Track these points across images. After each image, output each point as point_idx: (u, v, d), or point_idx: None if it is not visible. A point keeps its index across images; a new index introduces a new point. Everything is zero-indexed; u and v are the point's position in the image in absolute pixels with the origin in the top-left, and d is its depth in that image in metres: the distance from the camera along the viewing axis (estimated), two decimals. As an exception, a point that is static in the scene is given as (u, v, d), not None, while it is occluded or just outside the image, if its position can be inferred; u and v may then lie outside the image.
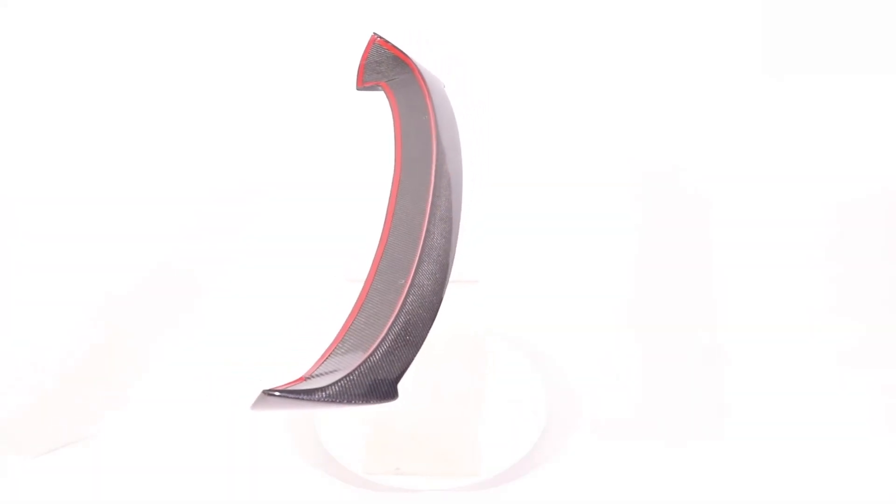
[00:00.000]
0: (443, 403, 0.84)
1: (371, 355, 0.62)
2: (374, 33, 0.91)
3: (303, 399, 0.59)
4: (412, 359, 0.64)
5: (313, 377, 0.62)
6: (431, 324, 0.66)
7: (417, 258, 0.67)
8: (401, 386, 0.62)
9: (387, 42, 0.90)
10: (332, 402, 0.60)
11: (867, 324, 0.96)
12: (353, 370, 0.61)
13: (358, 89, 0.89)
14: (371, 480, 0.80)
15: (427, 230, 0.69)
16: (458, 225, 0.72)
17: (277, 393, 0.58)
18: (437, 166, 0.73)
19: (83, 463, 0.84)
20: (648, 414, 0.86)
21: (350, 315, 0.66)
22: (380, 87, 0.87)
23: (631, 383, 0.90)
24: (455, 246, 0.71)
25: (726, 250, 1.08)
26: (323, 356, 0.64)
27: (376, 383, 0.61)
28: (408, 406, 0.77)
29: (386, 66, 0.89)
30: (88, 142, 1.33)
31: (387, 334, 0.63)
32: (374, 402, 0.61)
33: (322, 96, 1.40)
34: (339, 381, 0.60)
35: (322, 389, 0.59)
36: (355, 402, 0.60)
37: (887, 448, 0.82)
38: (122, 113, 1.38)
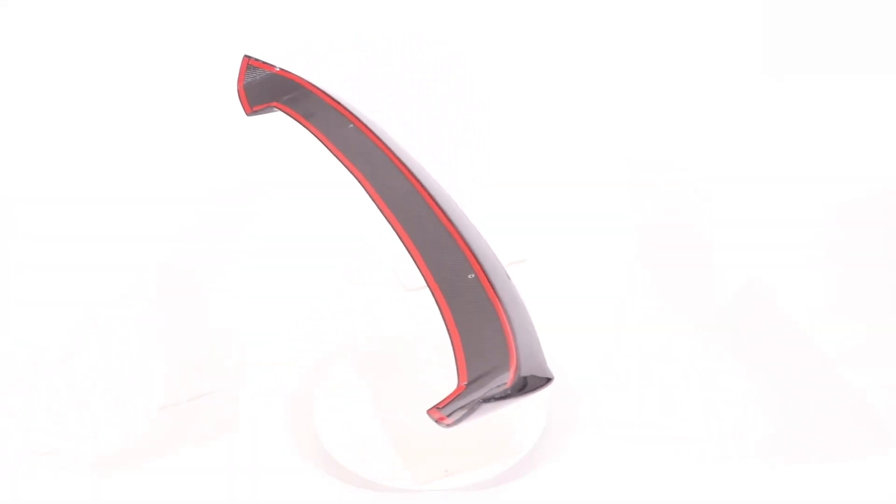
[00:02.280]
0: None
1: (516, 347, 0.61)
2: (246, 56, 0.89)
3: (504, 398, 0.58)
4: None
5: (474, 383, 0.60)
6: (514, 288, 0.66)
7: (462, 242, 0.68)
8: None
9: (261, 62, 0.88)
10: (521, 395, 0.59)
11: (867, 324, 0.96)
12: (511, 361, 0.60)
13: (249, 115, 0.86)
14: (371, 480, 0.80)
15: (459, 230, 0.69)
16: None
17: (477, 399, 0.57)
18: (429, 191, 0.73)
19: (83, 462, 0.84)
20: (648, 414, 0.86)
21: (451, 329, 0.65)
22: (273, 108, 0.85)
23: (631, 383, 0.90)
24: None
25: (726, 250, 1.08)
26: (460, 364, 0.62)
27: (536, 365, 0.61)
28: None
29: (271, 85, 0.86)
30: (87, 142, 1.33)
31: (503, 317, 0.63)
32: (545, 385, 0.61)
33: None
34: (515, 374, 0.59)
35: (515, 386, 0.58)
36: (538, 389, 0.60)
37: (877, 449, 0.83)
38: (121, 113, 1.38)
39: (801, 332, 0.96)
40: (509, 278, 0.67)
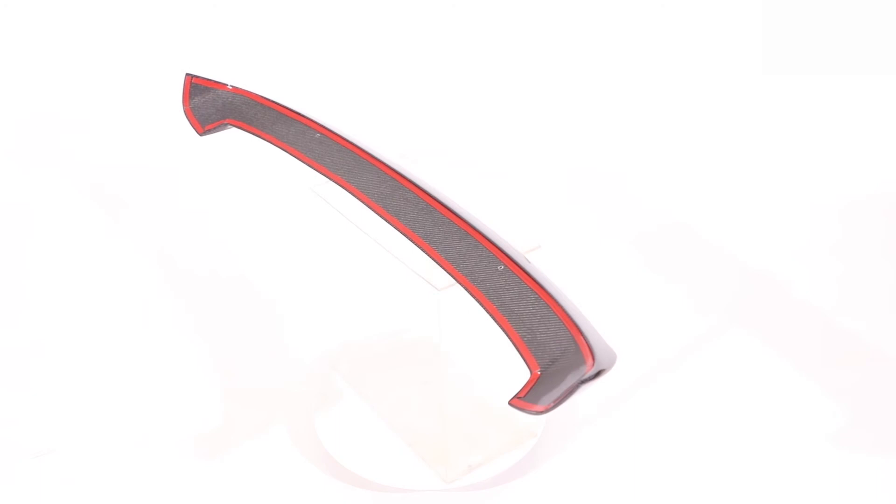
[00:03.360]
0: (474, 388, 0.85)
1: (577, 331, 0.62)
2: (188, 74, 0.86)
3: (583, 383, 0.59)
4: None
5: (549, 368, 0.61)
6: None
7: (480, 236, 0.68)
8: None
9: (204, 79, 0.86)
10: (604, 373, 0.60)
11: (867, 324, 0.96)
12: (581, 343, 0.61)
13: (202, 135, 0.84)
14: (371, 480, 0.80)
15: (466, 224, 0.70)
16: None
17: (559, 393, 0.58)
18: (428, 192, 0.73)
19: (82, 461, 0.84)
20: (648, 414, 0.86)
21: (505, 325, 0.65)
22: (227, 126, 0.84)
23: (630, 383, 0.90)
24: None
25: (725, 250, 1.08)
26: (525, 354, 0.63)
27: (602, 343, 0.62)
28: (447, 405, 0.78)
29: (221, 103, 0.85)
30: (87, 142, 1.33)
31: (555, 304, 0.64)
32: (615, 361, 0.62)
33: (320, 98, 1.40)
34: (592, 354, 0.60)
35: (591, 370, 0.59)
36: (612, 365, 0.61)
37: (866, 446, 0.83)
38: (121, 112, 1.38)
39: (802, 333, 0.96)
40: (530, 263, 0.68)
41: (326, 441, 0.83)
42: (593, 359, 0.60)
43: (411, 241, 0.70)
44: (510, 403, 0.60)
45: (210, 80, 0.86)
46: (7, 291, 1.07)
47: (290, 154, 0.79)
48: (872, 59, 1.32)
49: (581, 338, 0.62)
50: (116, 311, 1.03)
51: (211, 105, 0.85)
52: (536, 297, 0.65)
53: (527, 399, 0.59)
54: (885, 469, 0.80)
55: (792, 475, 0.80)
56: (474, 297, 0.66)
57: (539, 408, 0.59)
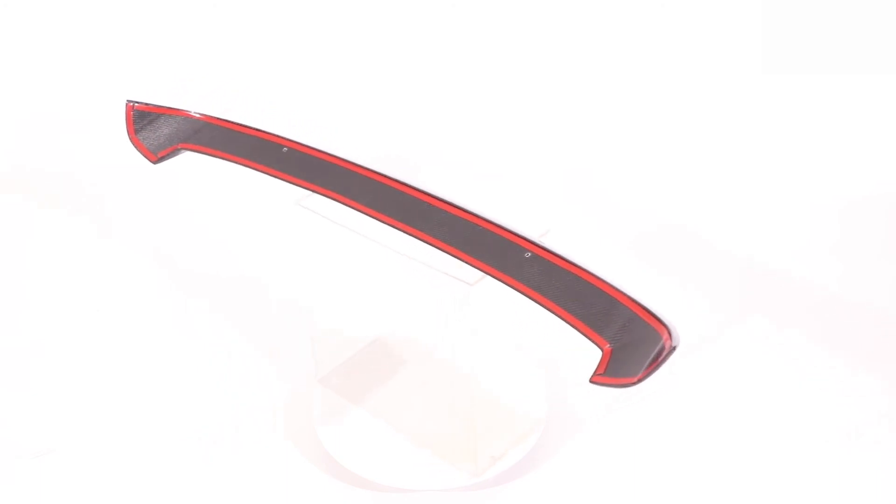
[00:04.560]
0: (486, 381, 0.85)
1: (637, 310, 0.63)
2: (128, 101, 0.83)
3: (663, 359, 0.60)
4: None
5: (619, 341, 0.62)
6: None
7: (496, 228, 0.69)
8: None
9: (146, 105, 0.83)
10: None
11: (868, 323, 0.96)
12: (642, 312, 0.62)
13: (155, 164, 0.82)
14: (371, 480, 0.80)
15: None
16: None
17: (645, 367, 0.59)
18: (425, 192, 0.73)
19: (83, 461, 0.84)
20: (648, 414, 0.86)
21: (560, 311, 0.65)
22: (180, 150, 0.81)
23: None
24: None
25: (725, 250, 1.08)
26: (588, 332, 0.63)
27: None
28: (465, 400, 0.79)
29: (168, 128, 0.82)
30: (88, 142, 1.33)
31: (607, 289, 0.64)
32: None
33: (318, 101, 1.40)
34: (659, 321, 0.61)
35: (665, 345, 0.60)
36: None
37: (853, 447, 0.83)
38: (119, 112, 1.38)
39: (801, 333, 0.96)
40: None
41: (326, 441, 0.83)
42: (663, 325, 0.61)
43: (431, 245, 0.70)
44: (592, 381, 0.60)
45: (153, 105, 0.83)
46: (7, 291, 1.07)
47: (264, 172, 0.77)
48: (872, 59, 1.32)
49: (638, 307, 0.62)
50: (116, 311, 1.03)
51: (159, 131, 0.82)
52: (574, 276, 0.65)
53: (608, 374, 0.60)
54: (886, 470, 0.80)
55: (792, 475, 0.80)
56: (513, 287, 0.66)
57: (627, 380, 0.59)
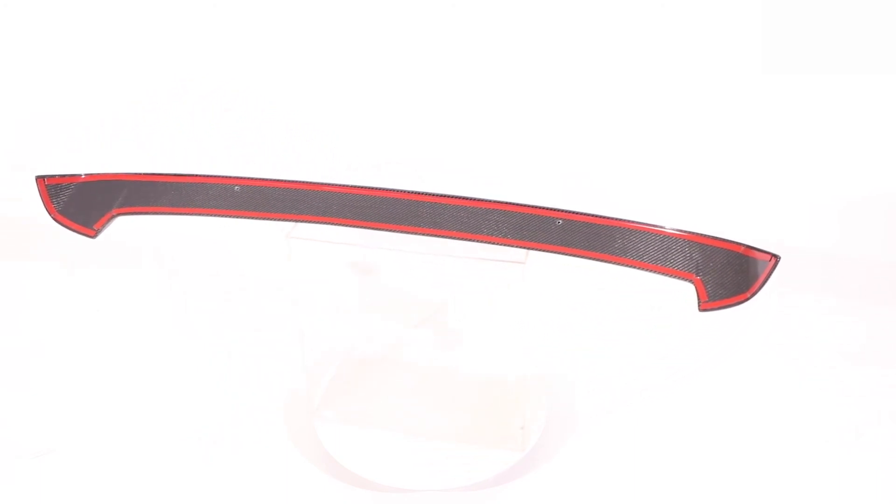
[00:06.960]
0: (477, 367, 0.87)
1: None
2: (37, 177, 0.73)
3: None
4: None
5: (709, 272, 0.64)
6: None
7: (510, 206, 0.70)
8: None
9: (56, 177, 0.74)
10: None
11: (868, 324, 0.96)
12: (719, 241, 0.65)
13: (95, 237, 0.75)
14: (371, 480, 0.80)
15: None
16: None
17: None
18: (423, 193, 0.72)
19: (82, 461, 0.84)
20: (648, 414, 0.86)
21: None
22: (114, 216, 0.74)
23: (630, 384, 0.90)
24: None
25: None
26: (671, 272, 0.65)
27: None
28: (490, 379, 0.81)
29: (89, 195, 0.74)
30: (87, 142, 1.33)
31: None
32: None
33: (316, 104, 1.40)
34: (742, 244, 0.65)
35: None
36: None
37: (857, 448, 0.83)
38: (119, 112, 1.38)
39: (802, 332, 0.96)
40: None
41: (326, 441, 0.83)
42: (747, 247, 0.63)
43: (460, 238, 0.70)
44: (702, 310, 0.64)
45: (66, 175, 0.74)
46: (7, 292, 1.07)
47: (227, 216, 0.73)
48: (872, 59, 1.32)
49: (714, 238, 0.64)
50: (116, 311, 1.03)
51: (84, 201, 0.74)
52: (615, 228, 0.66)
53: (712, 300, 0.63)
54: (886, 470, 0.80)
55: (792, 475, 0.80)
56: (572, 254, 0.67)
57: (736, 298, 0.63)
